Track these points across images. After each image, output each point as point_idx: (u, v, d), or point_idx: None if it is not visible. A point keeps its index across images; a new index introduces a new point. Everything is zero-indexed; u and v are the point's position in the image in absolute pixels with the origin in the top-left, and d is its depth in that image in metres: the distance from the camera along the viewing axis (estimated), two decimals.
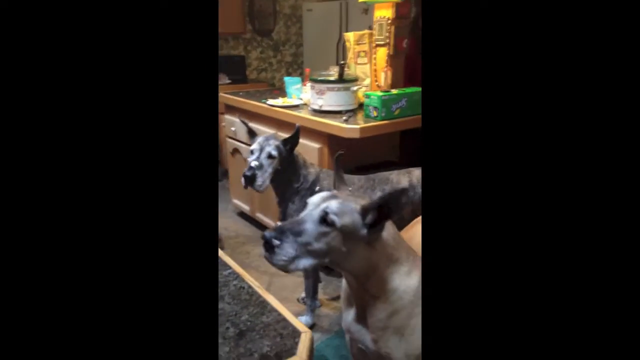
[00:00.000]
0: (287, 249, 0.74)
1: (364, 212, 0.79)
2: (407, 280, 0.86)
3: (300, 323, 0.67)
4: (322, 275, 2.07)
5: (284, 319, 0.67)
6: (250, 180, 1.57)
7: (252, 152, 1.61)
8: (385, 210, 0.78)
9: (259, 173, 1.57)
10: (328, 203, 0.79)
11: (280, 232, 0.75)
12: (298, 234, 0.75)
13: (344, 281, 1.00)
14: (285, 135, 2.17)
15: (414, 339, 0.89)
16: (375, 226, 0.79)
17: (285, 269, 0.75)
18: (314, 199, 0.83)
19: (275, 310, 0.70)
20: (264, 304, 0.72)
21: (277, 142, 1.60)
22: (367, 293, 0.87)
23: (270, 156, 1.58)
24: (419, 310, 0.88)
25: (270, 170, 1.59)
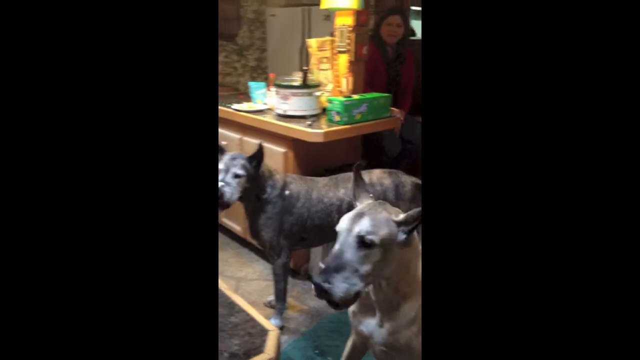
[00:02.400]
0: (338, 286, 0.74)
1: (407, 221, 0.80)
2: None
3: (268, 322, 0.70)
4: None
5: (252, 319, 0.70)
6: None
7: (219, 171, 1.58)
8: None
9: (227, 192, 1.54)
10: (359, 225, 0.78)
11: (326, 273, 0.75)
12: (342, 267, 0.75)
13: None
14: (252, 140, 2.19)
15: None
16: (413, 230, 0.81)
17: (347, 301, 0.76)
18: (342, 225, 0.81)
19: (244, 311, 0.72)
20: (232, 305, 0.74)
21: (242, 161, 1.58)
22: (399, 294, 0.86)
23: (236, 176, 1.56)
24: None
25: (239, 188, 1.57)
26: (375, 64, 2.48)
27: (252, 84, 2.47)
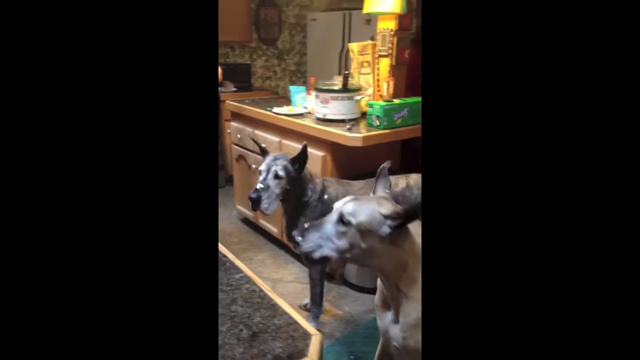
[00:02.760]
0: (309, 242, 0.88)
1: (392, 216, 0.85)
2: None
3: (310, 326, 0.70)
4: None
5: (295, 322, 0.70)
6: (255, 202, 1.52)
7: (260, 172, 1.58)
8: (411, 216, 0.84)
9: (264, 195, 1.52)
10: (345, 205, 0.88)
11: (304, 231, 0.90)
12: (318, 228, 0.88)
13: (378, 285, 1.04)
14: (291, 143, 2.21)
15: None
16: (399, 227, 0.85)
17: (311, 255, 0.89)
18: (337, 204, 0.92)
19: (287, 314, 0.73)
20: (275, 307, 0.75)
21: (284, 162, 1.55)
22: (401, 293, 0.91)
23: (277, 176, 1.53)
24: None
25: (277, 191, 1.54)
26: (417, 68, 2.45)
27: (292, 87, 2.50)
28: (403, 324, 0.95)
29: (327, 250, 0.88)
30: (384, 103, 1.98)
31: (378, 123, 1.97)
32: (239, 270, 0.87)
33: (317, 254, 0.88)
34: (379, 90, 2.28)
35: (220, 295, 0.79)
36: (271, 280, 2.22)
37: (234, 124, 2.73)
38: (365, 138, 1.87)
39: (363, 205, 0.86)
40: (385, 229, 0.85)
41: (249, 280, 0.84)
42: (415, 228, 0.90)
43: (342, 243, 0.86)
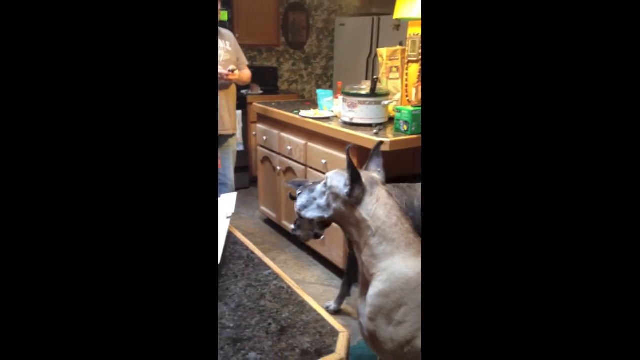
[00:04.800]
0: (302, 200, 1.07)
1: (347, 180, 1.01)
2: (400, 266, 0.93)
3: (337, 323, 0.70)
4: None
5: (323, 319, 0.71)
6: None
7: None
8: (353, 176, 0.99)
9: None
10: (330, 172, 1.07)
11: (302, 188, 1.09)
12: (311, 190, 1.06)
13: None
14: (317, 146, 2.23)
15: (402, 329, 0.94)
16: (352, 189, 0.99)
17: (300, 213, 1.07)
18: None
19: (314, 310, 0.73)
20: (303, 304, 0.76)
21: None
22: (364, 267, 1.01)
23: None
24: (412, 302, 0.92)
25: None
26: None
27: (319, 91, 2.52)
28: (367, 302, 1.01)
29: (312, 208, 1.05)
30: (412, 108, 1.97)
31: (406, 128, 1.97)
32: (267, 267, 0.89)
33: (304, 212, 1.06)
34: (407, 96, 2.27)
35: (250, 290, 0.81)
36: (294, 282, 2.23)
37: (260, 125, 2.77)
38: (392, 143, 1.87)
39: (339, 173, 1.03)
40: (344, 191, 0.99)
41: (277, 277, 0.85)
42: (379, 208, 0.99)
43: (322, 201, 1.04)
